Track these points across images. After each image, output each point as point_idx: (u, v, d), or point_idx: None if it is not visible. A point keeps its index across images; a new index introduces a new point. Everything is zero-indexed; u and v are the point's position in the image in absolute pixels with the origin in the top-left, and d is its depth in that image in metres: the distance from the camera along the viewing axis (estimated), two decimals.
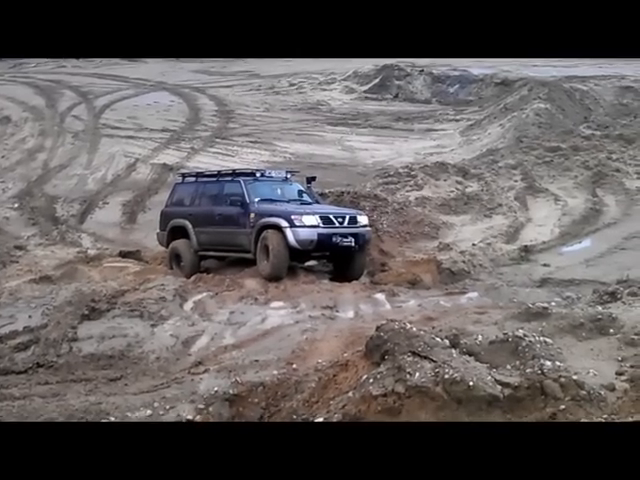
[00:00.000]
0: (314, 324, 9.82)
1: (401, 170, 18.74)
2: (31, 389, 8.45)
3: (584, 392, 5.68)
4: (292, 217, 12.67)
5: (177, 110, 27.89)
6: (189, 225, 14.24)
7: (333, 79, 31.80)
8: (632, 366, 6.22)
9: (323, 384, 6.99)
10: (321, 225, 12.73)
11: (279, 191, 14.17)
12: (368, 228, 13.57)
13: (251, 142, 24.38)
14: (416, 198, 16.80)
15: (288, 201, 13.87)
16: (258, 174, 14.13)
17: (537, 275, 12.67)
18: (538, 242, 14.39)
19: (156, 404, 7.55)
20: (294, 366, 7.83)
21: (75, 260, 14.02)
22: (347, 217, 13.14)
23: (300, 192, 14.41)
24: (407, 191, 17.34)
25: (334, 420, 6.00)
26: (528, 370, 6.06)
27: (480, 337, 6.87)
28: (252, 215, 13.20)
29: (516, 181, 18.01)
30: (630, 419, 4.96)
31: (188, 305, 11.09)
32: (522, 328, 7.05)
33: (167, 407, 7.35)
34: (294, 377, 7.46)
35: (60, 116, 26.90)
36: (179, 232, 14.38)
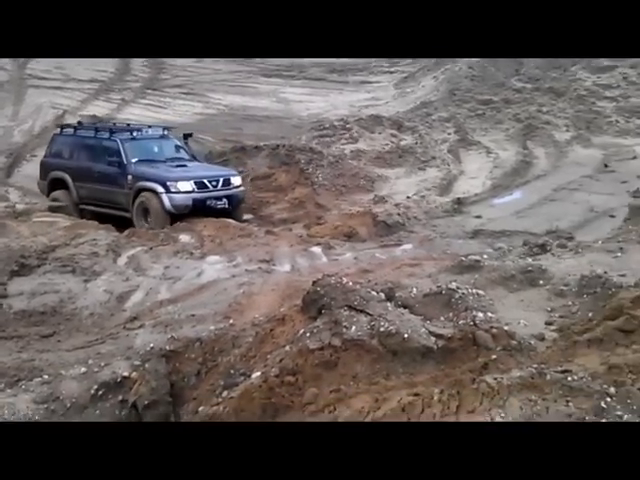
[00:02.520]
0: (251, 278, 9.77)
1: (336, 123, 18.74)
2: None
3: (515, 342, 5.85)
4: (168, 183, 13.25)
5: (106, 60, 27.02)
6: (69, 179, 14.72)
7: None
8: (561, 316, 6.45)
9: (260, 338, 7.01)
10: (196, 190, 13.34)
11: (156, 149, 14.64)
12: (242, 188, 14.20)
13: (183, 93, 23.96)
14: (351, 151, 16.86)
15: (165, 160, 14.35)
16: (135, 133, 14.48)
17: (469, 227, 12.87)
18: (470, 194, 14.63)
19: (91, 361, 7.47)
20: (231, 321, 7.82)
21: (3, 215, 13.57)
22: (221, 180, 13.76)
23: (177, 147, 14.96)
24: (342, 144, 17.37)
25: (272, 374, 6.04)
26: (461, 322, 6.21)
27: (414, 290, 6.99)
28: (130, 177, 13.75)
29: (449, 134, 18.22)
30: (559, 368, 5.13)
31: (122, 260, 10.90)
32: (455, 281, 7.20)
33: (102, 364, 7.28)
34: (231, 332, 7.45)
35: None
36: (59, 183, 14.90)
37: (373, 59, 27.80)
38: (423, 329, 6.11)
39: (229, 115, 21.95)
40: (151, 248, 11.39)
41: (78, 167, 14.65)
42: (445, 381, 5.46)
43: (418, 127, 18.49)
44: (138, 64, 26.66)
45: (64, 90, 23.77)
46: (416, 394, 5.31)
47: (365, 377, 5.84)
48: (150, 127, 15.29)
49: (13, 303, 9.34)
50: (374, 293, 6.68)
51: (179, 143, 15.07)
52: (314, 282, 6.96)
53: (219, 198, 13.55)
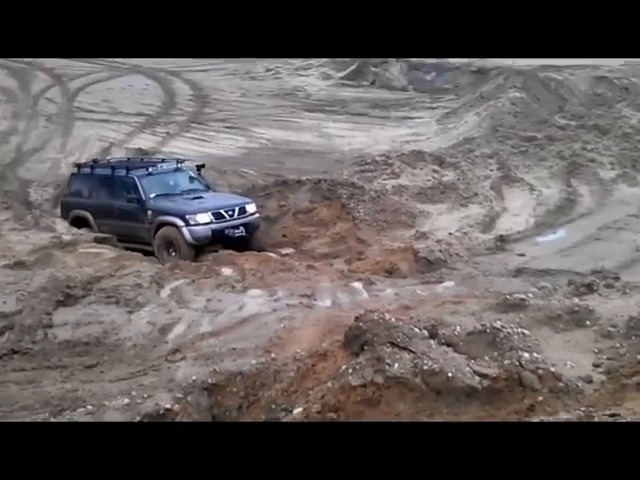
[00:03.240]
0: (292, 312, 9.79)
1: (378, 158, 18.76)
2: (6, 376, 8.41)
3: (562, 384, 5.76)
4: (187, 217, 13.90)
5: (152, 94, 27.59)
6: (90, 216, 15.38)
7: (309, 65, 31.65)
8: (609, 358, 6.32)
9: (302, 374, 7.00)
10: (214, 221, 14.00)
11: (172, 182, 15.32)
12: (257, 215, 14.82)
13: (227, 127, 24.23)
14: (393, 186, 16.83)
15: (181, 193, 15.02)
16: (151, 168, 15.06)
17: (513, 265, 12.71)
18: (513, 232, 14.47)
19: (133, 392, 7.51)
20: (272, 355, 7.82)
21: (49, 245, 13.81)
22: (237, 209, 14.40)
23: (192, 179, 15.59)
24: (384, 179, 17.36)
25: (313, 410, 6.01)
26: (506, 361, 6.13)
27: (458, 328, 6.93)
28: (149, 212, 14.41)
29: (492, 170, 18.10)
30: (607, 411, 5.02)
31: (165, 292, 11.01)
32: (500, 319, 7.12)
33: (145, 395, 7.31)
34: (273, 366, 7.45)
35: (33, 98, 26.48)
36: (82, 222, 15.55)
37: (415, 95, 27.93)
38: (467, 368, 6.05)
39: (272, 149, 22.16)
40: (194, 281, 11.49)
41: (98, 205, 15.29)
42: None
43: (460, 163, 18.43)
44: (184, 98, 27.12)
45: (111, 123, 24.23)
46: None
47: (408, 416, 5.79)
48: (164, 160, 15.99)
49: (58, 333, 9.49)
50: (417, 330, 6.64)
51: (193, 175, 15.64)
52: (356, 318, 6.94)
53: (236, 227, 14.17)
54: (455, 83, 27.94)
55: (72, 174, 16.52)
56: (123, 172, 15.09)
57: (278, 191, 16.93)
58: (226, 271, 12.15)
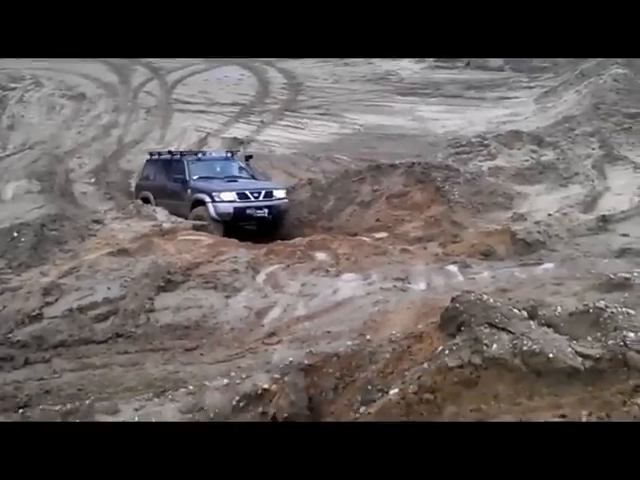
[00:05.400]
0: (386, 296, 9.75)
1: (473, 140, 18.46)
2: (111, 358, 8.69)
3: None
4: (213, 194, 15.50)
5: (247, 84, 28.04)
6: (151, 196, 17.28)
7: None
8: None
9: (397, 355, 6.94)
10: (237, 200, 15.46)
11: (218, 168, 17.06)
12: (284, 200, 16.03)
13: (320, 114, 24.36)
14: (489, 168, 16.53)
15: (223, 177, 16.67)
16: (200, 155, 17.20)
17: (616, 245, 12.21)
18: (616, 211, 13.89)
19: (232, 373, 7.65)
20: (367, 337, 7.80)
21: (150, 233, 14.22)
22: (263, 192, 15.77)
23: (240, 168, 17.31)
24: (480, 161, 17.08)
25: (410, 391, 5.95)
26: (610, 342, 5.89)
27: (559, 308, 6.69)
28: (189, 191, 16.14)
29: (593, 149, 17.49)
30: None
31: (260, 277, 11.16)
32: (603, 299, 6.85)
33: (243, 376, 7.43)
34: (368, 348, 7.42)
35: (133, 92, 27.34)
36: (147, 202, 17.22)
37: (512, 74, 27.26)
38: (569, 349, 5.84)
39: (365, 134, 22.12)
40: (288, 265, 11.60)
41: (157, 186, 17.24)
42: (593, 403, 5.20)
43: (560, 142, 17.89)
44: (277, 87, 27.41)
45: (208, 114, 24.77)
46: (562, 415, 5.09)
47: (507, 397, 5.65)
48: (214, 151, 18.30)
49: (159, 317, 9.76)
50: (516, 311, 6.46)
51: (242, 165, 17.20)
52: (453, 298, 6.81)
53: (260, 208, 15.53)
54: (553, 61, 27.11)
55: (146, 161, 18.20)
56: (177, 157, 16.97)
57: (371, 175, 16.84)
58: (320, 256, 12.20)
